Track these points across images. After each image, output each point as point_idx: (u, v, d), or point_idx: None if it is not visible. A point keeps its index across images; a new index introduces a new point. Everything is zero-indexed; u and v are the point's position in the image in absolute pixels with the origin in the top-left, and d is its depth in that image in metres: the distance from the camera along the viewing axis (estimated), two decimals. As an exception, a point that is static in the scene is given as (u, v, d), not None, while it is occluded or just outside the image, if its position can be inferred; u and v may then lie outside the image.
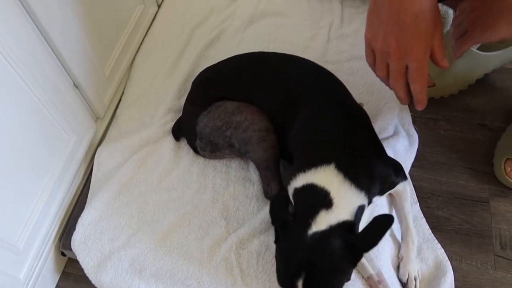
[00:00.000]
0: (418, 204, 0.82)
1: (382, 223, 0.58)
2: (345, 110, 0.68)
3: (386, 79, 0.58)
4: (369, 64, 0.60)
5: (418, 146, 0.89)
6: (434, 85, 0.95)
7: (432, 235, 0.78)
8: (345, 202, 0.60)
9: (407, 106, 0.93)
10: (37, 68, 0.64)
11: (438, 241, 0.78)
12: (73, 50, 0.71)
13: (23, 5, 0.60)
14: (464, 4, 0.62)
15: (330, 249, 0.57)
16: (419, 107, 0.58)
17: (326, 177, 0.61)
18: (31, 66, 0.63)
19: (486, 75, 0.97)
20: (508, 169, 0.83)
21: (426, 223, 0.80)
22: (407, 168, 0.84)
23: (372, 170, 0.64)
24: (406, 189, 0.76)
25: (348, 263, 0.58)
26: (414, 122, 0.92)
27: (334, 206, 0.59)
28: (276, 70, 0.72)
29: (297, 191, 0.62)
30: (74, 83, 0.75)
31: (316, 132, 0.66)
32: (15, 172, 0.64)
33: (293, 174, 0.63)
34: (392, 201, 0.78)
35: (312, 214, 0.58)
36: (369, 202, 0.64)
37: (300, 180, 0.62)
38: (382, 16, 0.53)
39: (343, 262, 0.58)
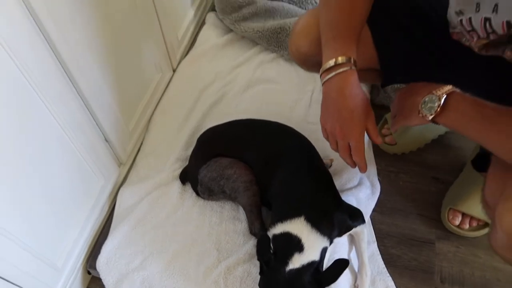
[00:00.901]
0: (376, 243, 1.00)
1: (340, 265, 0.77)
2: (312, 171, 0.89)
3: (336, 151, 0.79)
4: (325, 139, 0.80)
5: (380, 194, 1.08)
6: (396, 143, 1.15)
7: (385, 269, 0.96)
8: (313, 246, 0.79)
9: (373, 160, 1.13)
10: (78, 129, 0.85)
11: (390, 274, 0.95)
12: (105, 113, 0.93)
13: (71, 82, 0.82)
14: (397, 94, 0.83)
15: (302, 282, 0.76)
16: (362, 171, 0.78)
17: (297, 227, 0.80)
18: (74, 127, 0.84)
19: (440, 135, 1.17)
20: (450, 217, 1.01)
21: (381, 259, 0.97)
22: (367, 213, 1.03)
23: (332, 219, 0.83)
24: (363, 231, 0.94)
25: None
26: (378, 174, 1.12)
27: (305, 250, 0.78)
28: (261, 136, 0.94)
29: (275, 236, 0.81)
30: (105, 138, 0.97)
31: (289, 190, 0.86)
32: (59, 204, 0.85)
33: (273, 223, 0.83)
34: (352, 240, 0.97)
35: (288, 256, 0.77)
36: (330, 243, 0.83)
37: (278, 229, 0.82)
38: (329, 110, 0.74)
39: None
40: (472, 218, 1.01)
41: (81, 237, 0.93)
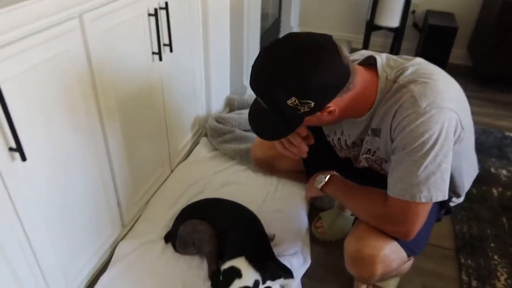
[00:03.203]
0: (302, 300, 1.34)
1: None
2: (254, 232, 1.32)
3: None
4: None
5: (309, 266, 1.45)
6: (326, 233, 1.57)
7: (307, 317, 1.28)
8: (248, 276, 1.17)
9: (308, 242, 1.53)
10: (104, 188, 1.31)
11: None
12: (122, 185, 1.40)
13: (108, 162, 1.31)
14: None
15: None
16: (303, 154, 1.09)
17: (239, 262, 1.19)
18: (103, 187, 1.30)
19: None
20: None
21: (305, 311, 1.30)
22: (297, 276, 1.38)
23: (264, 263, 1.22)
24: (291, 284, 1.30)
25: None
26: (312, 253, 1.50)
27: (242, 277, 1.16)
28: (223, 207, 1.40)
29: (224, 270, 1.19)
30: (118, 203, 1.41)
31: (237, 241, 1.28)
32: (77, 237, 1.24)
33: (223, 262, 1.22)
34: (283, 290, 1.32)
35: (231, 280, 1.15)
36: (263, 280, 1.20)
37: (227, 265, 1.20)
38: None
39: None
40: (374, 285, 1.36)
41: (88, 265, 1.28)
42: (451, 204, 1.20)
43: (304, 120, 0.94)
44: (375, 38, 3.08)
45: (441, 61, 2.68)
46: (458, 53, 3.06)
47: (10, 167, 0.91)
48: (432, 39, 2.78)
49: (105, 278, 1.29)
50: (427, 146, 0.88)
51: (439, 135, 0.88)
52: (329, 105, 0.90)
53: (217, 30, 1.88)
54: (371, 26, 2.94)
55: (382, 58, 0.98)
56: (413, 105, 0.89)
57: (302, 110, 0.88)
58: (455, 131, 0.92)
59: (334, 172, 1.17)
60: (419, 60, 0.98)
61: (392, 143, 0.95)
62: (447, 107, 0.89)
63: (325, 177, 1.16)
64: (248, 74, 2.26)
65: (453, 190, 1.15)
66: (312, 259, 1.47)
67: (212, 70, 1.93)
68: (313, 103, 0.87)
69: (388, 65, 0.97)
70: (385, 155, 1.02)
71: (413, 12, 3.03)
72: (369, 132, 1.03)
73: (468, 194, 1.23)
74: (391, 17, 2.84)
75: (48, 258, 1.10)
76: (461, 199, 1.21)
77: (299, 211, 1.61)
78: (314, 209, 1.70)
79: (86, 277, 1.29)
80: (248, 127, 1.90)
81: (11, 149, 0.90)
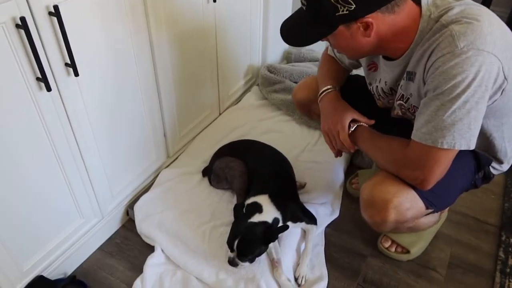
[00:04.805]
0: (323, 246, 1.37)
1: (281, 228, 1.19)
2: (282, 173, 1.37)
3: (331, 146, 1.20)
4: (326, 143, 1.21)
5: (337, 218, 1.47)
6: (359, 190, 1.56)
7: (324, 262, 1.31)
8: (268, 212, 1.23)
9: (340, 196, 1.55)
10: (151, 115, 1.42)
11: (327, 267, 1.31)
12: (169, 117, 1.50)
13: (157, 92, 1.42)
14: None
15: (255, 231, 1.18)
16: (349, 151, 1.14)
17: (262, 199, 1.25)
18: (151, 114, 1.42)
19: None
20: (382, 240, 1.36)
21: (323, 256, 1.33)
22: (322, 224, 1.42)
23: (286, 203, 1.27)
24: (313, 229, 1.34)
25: (263, 240, 1.18)
26: (341, 206, 1.52)
27: (263, 213, 1.22)
28: (257, 148, 1.45)
29: (248, 204, 1.26)
30: (164, 133, 1.53)
31: (264, 179, 1.33)
32: (128, 154, 1.38)
33: (248, 197, 1.29)
34: (304, 234, 1.36)
35: (251, 214, 1.22)
36: (284, 219, 1.25)
37: (250, 200, 1.27)
38: (325, 115, 1.16)
39: (260, 238, 1.17)
40: (398, 245, 1.35)
41: (131, 184, 1.44)
42: (493, 170, 1.12)
43: (338, 28, 0.90)
44: None
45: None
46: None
47: (65, 81, 1.04)
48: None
49: (146, 196, 1.44)
50: (458, 90, 0.83)
51: (473, 79, 0.82)
52: (368, 16, 0.87)
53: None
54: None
55: None
56: (450, 44, 0.84)
57: (340, 11, 0.86)
58: (495, 80, 0.85)
59: (363, 124, 1.15)
60: (470, 1, 0.91)
61: (424, 85, 0.91)
62: (487, 50, 0.82)
63: (353, 126, 1.14)
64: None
65: (494, 155, 1.08)
66: (340, 212, 1.49)
67: (270, 20, 1.94)
68: (354, 6, 0.84)
69: (434, 4, 0.91)
70: (417, 102, 0.98)
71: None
72: (404, 75, 1.00)
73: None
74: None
75: (97, 170, 1.25)
76: (505, 167, 1.13)
77: (336, 166, 1.61)
78: (354, 167, 1.69)
79: (130, 194, 1.45)
80: (299, 79, 1.90)
81: (66, 64, 1.02)
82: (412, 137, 0.94)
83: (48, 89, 0.98)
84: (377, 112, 1.21)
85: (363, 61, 1.18)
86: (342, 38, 0.93)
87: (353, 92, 1.26)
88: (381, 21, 0.88)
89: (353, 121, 1.13)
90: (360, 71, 1.29)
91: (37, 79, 0.96)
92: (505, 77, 0.87)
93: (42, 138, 1.04)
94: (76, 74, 1.03)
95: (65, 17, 0.95)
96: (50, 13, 0.93)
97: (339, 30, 0.91)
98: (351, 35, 0.91)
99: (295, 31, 0.97)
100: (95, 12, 1.06)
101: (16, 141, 0.98)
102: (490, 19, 0.86)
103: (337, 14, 0.86)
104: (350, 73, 1.38)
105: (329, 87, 1.22)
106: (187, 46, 1.48)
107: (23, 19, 0.87)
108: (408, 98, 1.03)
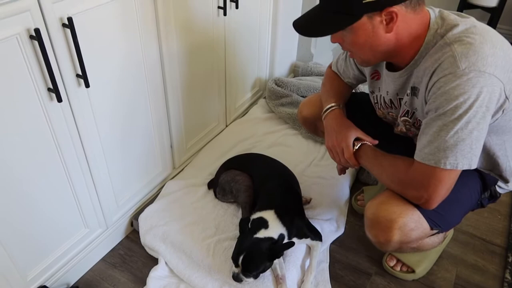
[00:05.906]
0: (328, 263, 1.36)
1: (287, 245, 1.18)
2: (289, 189, 1.36)
3: (337, 161, 1.18)
4: (332, 158, 1.20)
5: (342, 235, 1.46)
6: (364, 206, 1.55)
7: (329, 280, 1.30)
8: (274, 228, 1.22)
9: (346, 212, 1.53)
10: (159, 127, 1.43)
11: (331, 285, 1.29)
12: (176, 129, 1.51)
13: (165, 103, 1.42)
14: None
15: (260, 247, 1.18)
16: (354, 166, 1.13)
17: (268, 215, 1.24)
18: (158, 126, 1.42)
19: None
20: (388, 259, 1.35)
21: (328, 273, 1.32)
22: (327, 241, 1.40)
23: (292, 219, 1.26)
24: (318, 246, 1.33)
25: (268, 256, 1.17)
26: (346, 223, 1.51)
27: (269, 228, 1.21)
28: (263, 162, 1.45)
29: (253, 219, 1.26)
30: (171, 145, 1.53)
31: (270, 195, 1.32)
32: (134, 166, 1.38)
33: (254, 212, 1.28)
34: (309, 250, 1.35)
35: (257, 229, 1.21)
36: (289, 235, 1.24)
37: (256, 215, 1.26)
38: (329, 132, 1.15)
39: (265, 254, 1.17)
40: (403, 264, 1.34)
41: (137, 195, 1.44)
42: (499, 190, 1.12)
43: (360, 20, 0.87)
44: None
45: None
46: None
47: (76, 92, 1.05)
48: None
49: (151, 208, 1.43)
50: (460, 111, 0.83)
51: (475, 100, 0.82)
52: (395, 7, 0.85)
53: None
54: (464, 3, 2.73)
55: (434, 11, 0.94)
56: (451, 65, 0.84)
57: None
58: (497, 100, 0.86)
59: (367, 142, 1.14)
60: (475, 20, 0.92)
61: (426, 104, 0.92)
62: (489, 72, 0.82)
63: (357, 145, 1.13)
64: (316, 43, 2.24)
65: (499, 173, 1.08)
66: (346, 229, 1.48)
67: (279, 34, 1.95)
68: None
69: (440, 17, 0.93)
70: (422, 117, 0.99)
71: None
72: (408, 91, 1.00)
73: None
74: (489, -6, 2.60)
75: (104, 180, 1.25)
76: (511, 186, 1.12)
77: (342, 181, 1.61)
78: (360, 183, 1.68)
79: (135, 205, 1.45)
80: (306, 93, 1.91)
81: (78, 75, 1.03)
82: (415, 157, 0.94)
83: (59, 99, 0.98)
84: (381, 129, 1.21)
85: (367, 69, 1.19)
86: (363, 31, 0.90)
87: (357, 110, 1.27)
88: (403, 17, 0.87)
89: (357, 139, 1.13)
90: (364, 87, 1.29)
91: (49, 89, 0.97)
92: (506, 97, 0.88)
93: (51, 148, 1.05)
94: (87, 85, 1.04)
95: (78, 29, 0.96)
96: (63, 25, 0.94)
97: (361, 22, 0.88)
98: (373, 28, 0.89)
99: (313, 22, 0.93)
100: (108, 24, 1.07)
101: (24, 150, 0.98)
102: (493, 40, 0.87)
103: (364, 1, 0.84)
104: (354, 90, 1.38)
105: (333, 104, 1.22)
106: (196, 58, 1.48)
107: (37, 30, 0.88)
108: (414, 113, 1.03)
